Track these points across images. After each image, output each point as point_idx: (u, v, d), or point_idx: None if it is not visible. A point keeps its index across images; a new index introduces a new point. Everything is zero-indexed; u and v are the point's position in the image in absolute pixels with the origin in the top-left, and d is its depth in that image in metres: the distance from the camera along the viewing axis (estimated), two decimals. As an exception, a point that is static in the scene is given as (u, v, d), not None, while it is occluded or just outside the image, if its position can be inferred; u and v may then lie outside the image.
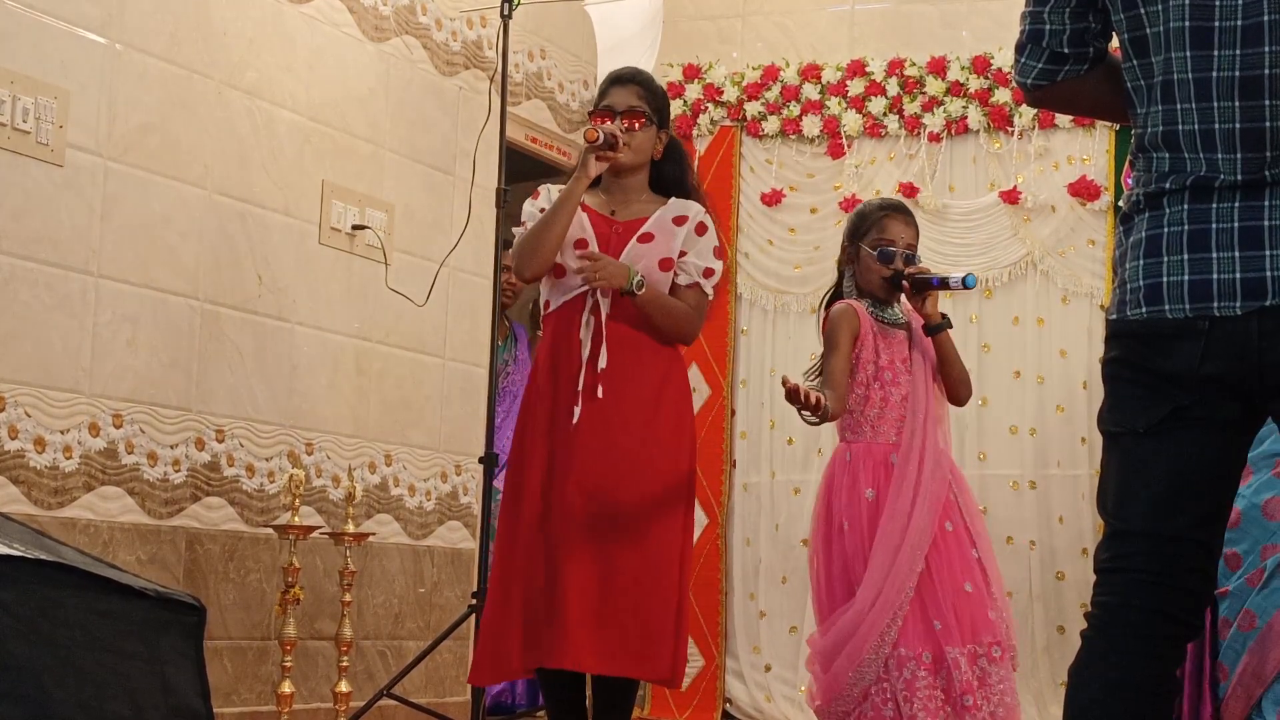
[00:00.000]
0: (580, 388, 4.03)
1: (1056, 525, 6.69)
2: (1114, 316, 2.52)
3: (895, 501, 4.28)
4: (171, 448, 5.12)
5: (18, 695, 2.19)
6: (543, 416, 4.10)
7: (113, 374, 4.92)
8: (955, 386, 4.44)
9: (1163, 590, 2.45)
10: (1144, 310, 2.45)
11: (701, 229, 4.15)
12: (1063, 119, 6.83)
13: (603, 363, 4.02)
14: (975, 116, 6.95)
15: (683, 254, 4.13)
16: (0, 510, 3.91)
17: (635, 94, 4.15)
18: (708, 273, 4.15)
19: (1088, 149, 6.84)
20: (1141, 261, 2.48)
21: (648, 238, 4.10)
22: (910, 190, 6.93)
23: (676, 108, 7.42)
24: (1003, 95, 6.92)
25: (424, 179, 6.22)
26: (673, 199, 4.19)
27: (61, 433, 4.75)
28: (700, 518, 7.25)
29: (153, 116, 5.07)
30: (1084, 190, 6.78)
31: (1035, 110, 6.86)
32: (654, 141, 4.19)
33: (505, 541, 4.11)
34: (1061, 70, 2.65)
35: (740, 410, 7.29)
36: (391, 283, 5.91)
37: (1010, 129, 6.93)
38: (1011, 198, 6.88)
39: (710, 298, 4.19)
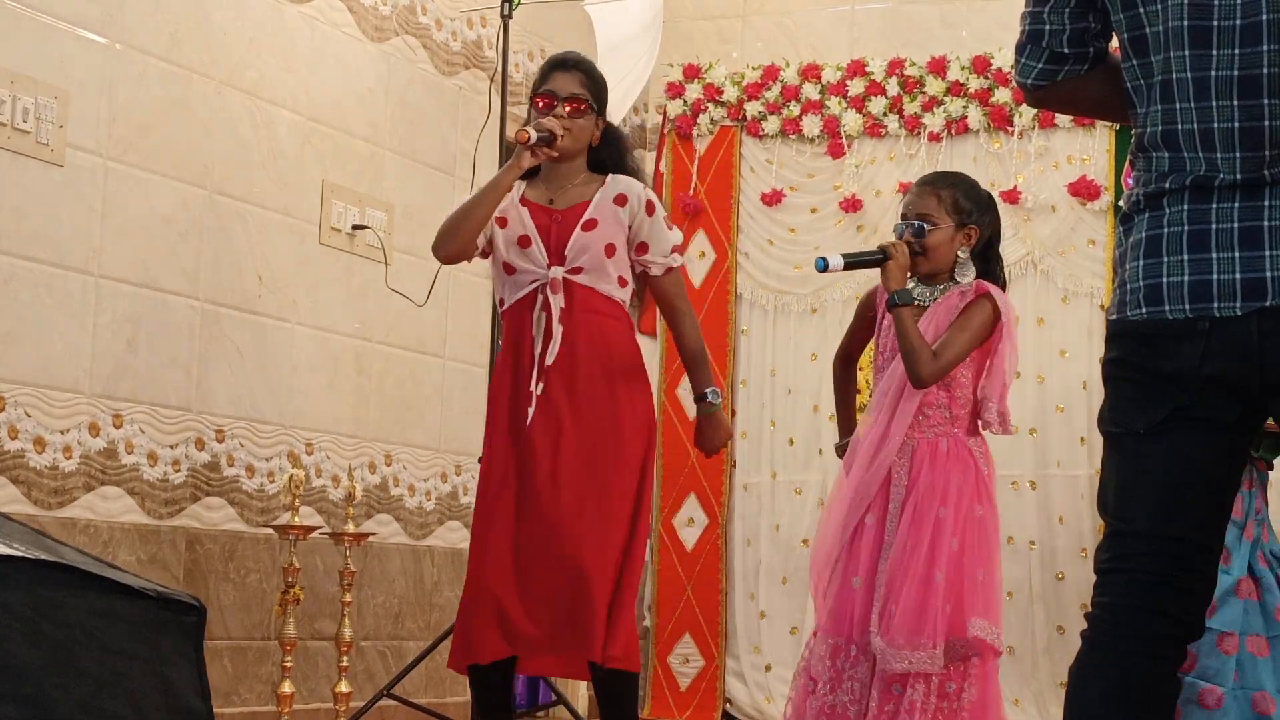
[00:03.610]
0: (534, 385, 4.08)
1: (1056, 525, 6.69)
2: (1114, 317, 2.52)
3: (836, 484, 4.40)
4: (171, 448, 5.12)
5: (18, 696, 2.19)
6: (506, 411, 4.16)
7: (113, 374, 4.92)
8: (904, 363, 4.25)
9: (1163, 591, 2.45)
10: (1144, 311, 2.45)
11: (650, 208, 4.18)
12: (1063, 119, 6.83)
13: (551, 357, 4.06)
14: (975, 116, 6.95)
15: (644, 246, 4.16)
16: (0, 510, 3.91)
17: (578, 81, 4.17)
18: (674, 249, 4.20)
19: (1088, 149, 6.84)
20: (1141, 262, 2.48)
21: (591, 225, 4.12)
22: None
23: (676, 108, 7.42)
24: (1003, 95, 6.92)
25: (424, 179, 6.22)
26: (610, 176, 4.20)
27: (61, 433, 4.75)
28: (700, 518, 7.25)
29: (153, 116, 5.07)
30: (1084, 190, 6.78)
31: (1035, 110, 6.86)
32: (593, 128, 4.22)
33: (479, 533, 4.15)
34: (1061, 70, 2.65)
35: (741, 410, 7.29)
36: (391, 283, 5.91)
37: (1010, 129, 6.93)
38: (1011, 197, 6.87)
39: (682, 263, 4.28)
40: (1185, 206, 2.44)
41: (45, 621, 2.28)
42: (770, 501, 7.14)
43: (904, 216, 4.35)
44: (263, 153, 5.49)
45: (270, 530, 5.34)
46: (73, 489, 4.79)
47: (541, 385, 4.06)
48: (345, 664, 5.38)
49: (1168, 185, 2.47)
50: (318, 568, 5.61)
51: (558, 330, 4.07)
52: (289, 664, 5.20)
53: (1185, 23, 2.43)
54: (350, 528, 5.41)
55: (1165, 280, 2.43)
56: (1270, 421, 5.03)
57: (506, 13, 5.75)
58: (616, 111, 6.30)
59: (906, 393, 4.28)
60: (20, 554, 2.32)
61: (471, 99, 6.40)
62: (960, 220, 4.31)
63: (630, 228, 4.16)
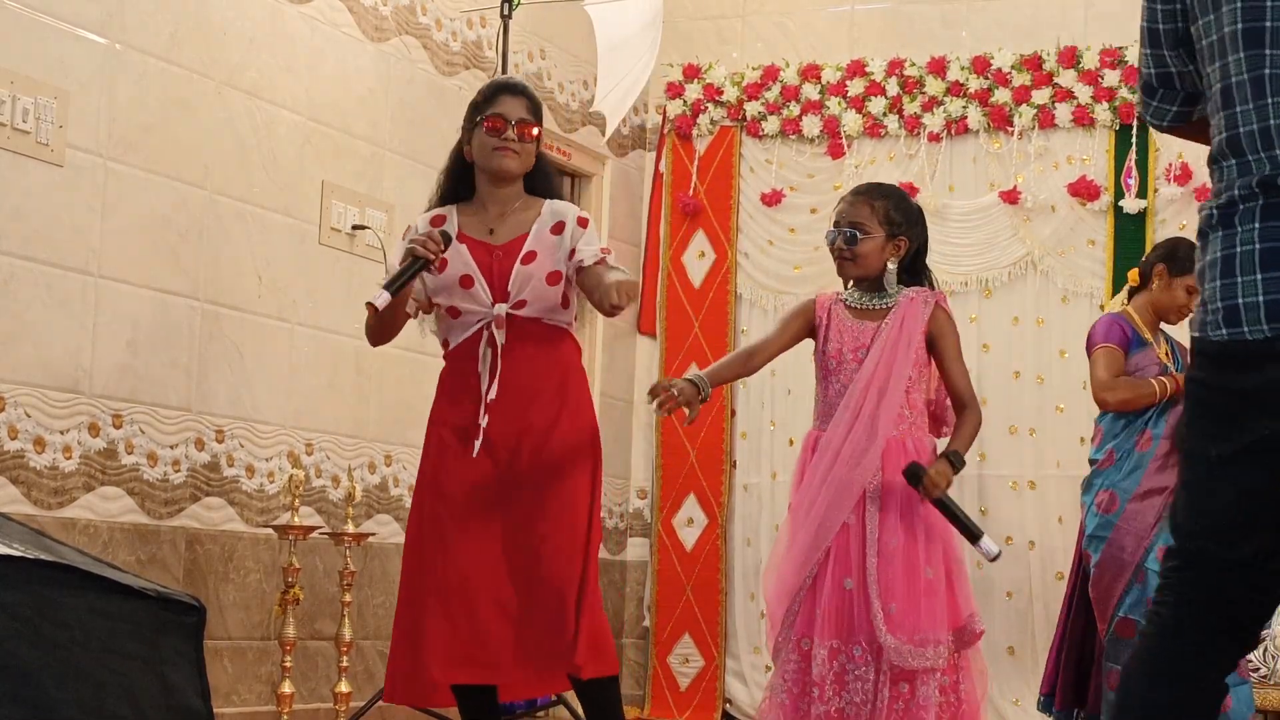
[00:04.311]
0: (482, 418, 4.08)
1: (1056, 525, 6.70)
2: (1197, 334, 2.52)
3: (805, 488, 4.37)
4: (171, 448, 5.12)
5: (18, 696, 2.19)
6: (452, 443, 4.13)
7: (113, 374, 4.92)
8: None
9: (1219, 608, 2.46)
10: (1225, 332, 2.45)
11: (583, 222, 4.21)
12: (1063, 119, 6.84)
13: (492, 395, 4.07)
14: (975, 116, 6.95)
15: (573, 251, 4.15)
16: (0, 510, 3.91)
17: (525, 107, 4.19)
18: (604, 250, 4.20)
19: (1088, 149, 6.84)
20: (1219, 283, 2.47)
21: (531, 258, 4.12)
22: (910, 190, 6.92)
23: (676, 108, 7.43)
24: (1002, 95, 6.92)
25: (424, 179, 6.20)
26: (546, 203, 4.22)
27: (61, 433, 4.75)
28: (700, 518, 7.26)
29: (153, 116, 5.07)
30: (1084, 190, 6.78)
31: (1035, 110, 6.88)
32: (535, 153, 4.23)
33: (417, 560, 4.11)
34: (1195, 110, 2.66)
35: (740, 411, 7.29)
36: (391, 283, 5.90)
37: (1010, 129, 6.93)
38: (1011, 198, 6.88)
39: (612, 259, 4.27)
40: (1256, 225, 2.44)
41: (45, 621, 2.28)
42: (770, 501, 7.14)
43: (836, 224, 4.44)
44: (263, 153, 5.49)
45: (270, 530, 5.34)
46: (72, 489, 4.79)
47: (486, 418, 4.07)
48: (345, 664, 5.39)
49: (1236, 193, 2.46)
50: (318, 568, 5.61)
51: (498, 367, 4.07)
52: (289, 664, 5.21)
53: (1239, 26, 2.45)
54: (350, 528, 5.42)
55: (1241, 301, 2.42)
56: None
57: (506, 13, 5.76)
58: (616, 111, 6.31)
59: (887, 400, 4.35)
60: (20, 554, 2.33)
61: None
62: (891, 231, 4.44)
63: (571, 242, 4.16)
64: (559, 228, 4.16)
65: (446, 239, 4.02)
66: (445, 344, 4.23)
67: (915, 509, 4.30)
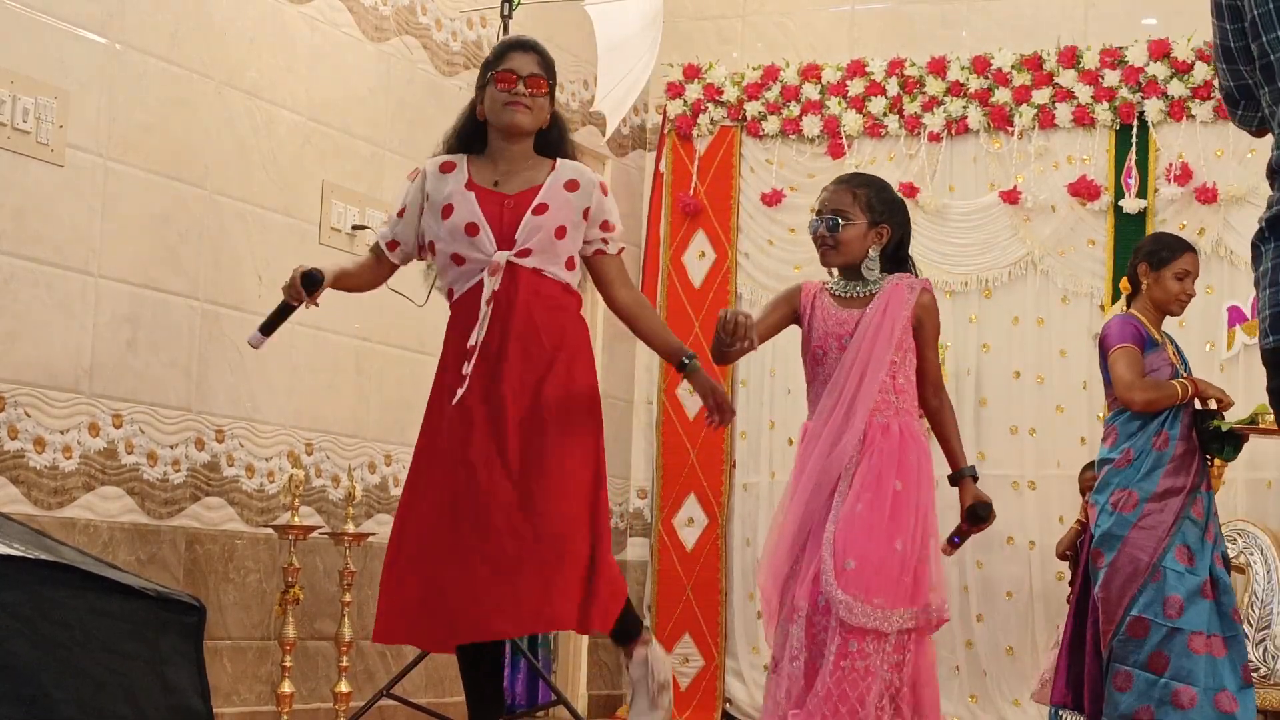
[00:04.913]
0: (466, 368, 4.11)
1: (1056, 525, 6.70)
2: (1260, 342, 2.56)
3: (797, 478, 4.42)
4: (171, 448, 5.12)
5: (18, 696, 2.19)
6: (450, 395, 4.16)
7: (113, 374, 4.92)
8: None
9: None
10: (1271, 339, 2.49)
11: (604, 189, 4.25)
12: (1063, 119, 6.84)
13: (480, 335, 4.09)
14: (975, 116, 6.96)
15: (607, 223, 4.22)
16: (0, 510, 3.91)
17: (536, 62, 4.22)
18: (610, 230, 4.27)
19: (1088, 149, 6.84)
20: (1268, 291, 2.52)
21: (542, 209, 4.15)
22: (910, 190, 6.93)
23: (676, 108, 7.42)
24: (1003, 95, 6.92)
25: (424, 179, 6.22)
26: (559, 161, 4.25)
27: (61, 433, 4.76)
28: (700, 518, 7.26)
29: (153, 116, 5.07)
30: (1084, 190, 6.78)
31: (1035, 110, 6.88)
32: (548, 109, 4.25)
33: (414, 510, 4.14)
34: None
35: (740, 410, 7.29)
36: (391, 283, 5.89)
37: (1010, 129, 6.93)
38: (1011, 198, 6.88)
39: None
40: None
41: (45, 621, 2.28)
42: (770, 501, 7.14)
43: (819, 212, 4.46)
44: (263, 153, 5.49)
45: (270, 530, 5.34)
46: (72, 489, 4.79)
47: (470, 364, 4.08)
48: (345, 664, 5.39)
49: None
50: (318, 568, 5.62)
51: (485, 311, 4.08)
52: (289, 664, 5.21)
53: None
54: (350, 528, 5.42)
55: None
56: (1221, 422, 5.11)
57: (506, 13, 5.76)
58: (616, 111, 6.31)
59: (866, 384, 4.38)
60: (20, 554, 2.33)
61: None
62: (873, 219, 4.46)
63: (588, 210, 4.19)
64: (573, 185, 4.19)
65: (311, 282, 4.20)
66: (450, 293, 4.25)
67: (893, 483, 4.30)
